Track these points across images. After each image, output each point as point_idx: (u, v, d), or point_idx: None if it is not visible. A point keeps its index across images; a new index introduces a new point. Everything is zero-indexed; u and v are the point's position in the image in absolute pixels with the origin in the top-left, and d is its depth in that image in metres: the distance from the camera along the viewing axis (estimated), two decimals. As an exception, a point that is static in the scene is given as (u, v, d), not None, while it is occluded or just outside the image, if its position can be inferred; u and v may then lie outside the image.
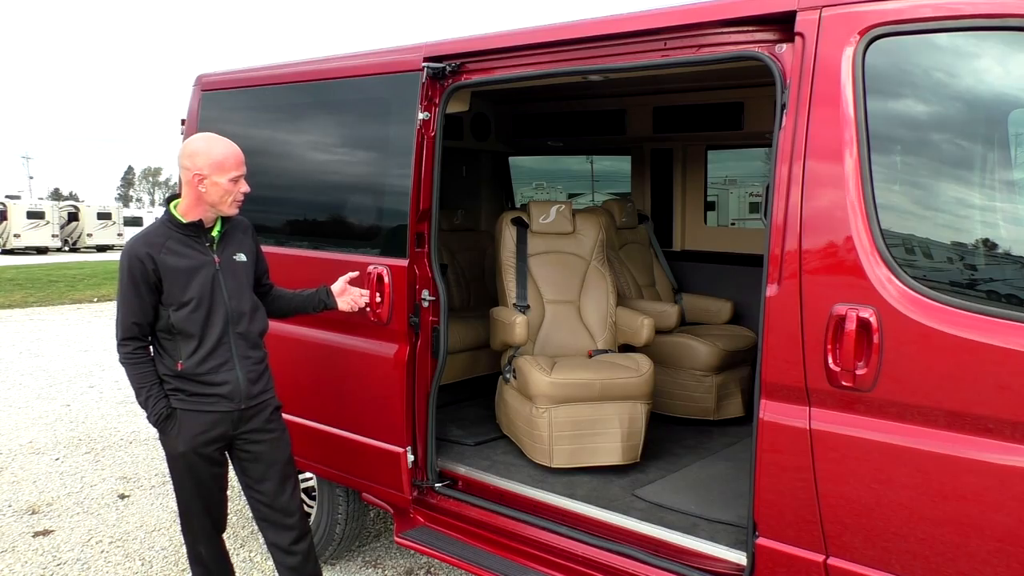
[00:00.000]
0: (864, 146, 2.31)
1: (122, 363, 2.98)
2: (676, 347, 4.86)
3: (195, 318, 2.91)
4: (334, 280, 3.39)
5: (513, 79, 3.31)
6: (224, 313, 2.97)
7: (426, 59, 3.40)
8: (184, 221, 2.97)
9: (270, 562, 4.31)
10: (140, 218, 44.66)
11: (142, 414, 7.26)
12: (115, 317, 2.98)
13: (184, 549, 4.45)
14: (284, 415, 3.28)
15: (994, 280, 2.27)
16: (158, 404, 2.94)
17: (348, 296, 3.38)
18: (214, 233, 3.04)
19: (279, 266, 3.59)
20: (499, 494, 3.60)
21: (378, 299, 3.51)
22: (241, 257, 3.10)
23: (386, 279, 3.48)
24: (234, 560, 4.34)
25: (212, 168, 2.90)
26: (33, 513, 4.99)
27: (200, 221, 3.00)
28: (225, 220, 3.08)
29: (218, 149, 2.94)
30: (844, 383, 2.31)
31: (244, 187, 3.00)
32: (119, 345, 2.96)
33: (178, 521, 4.82)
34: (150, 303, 2.92)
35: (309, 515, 4.16)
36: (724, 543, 2.99)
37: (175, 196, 3.04)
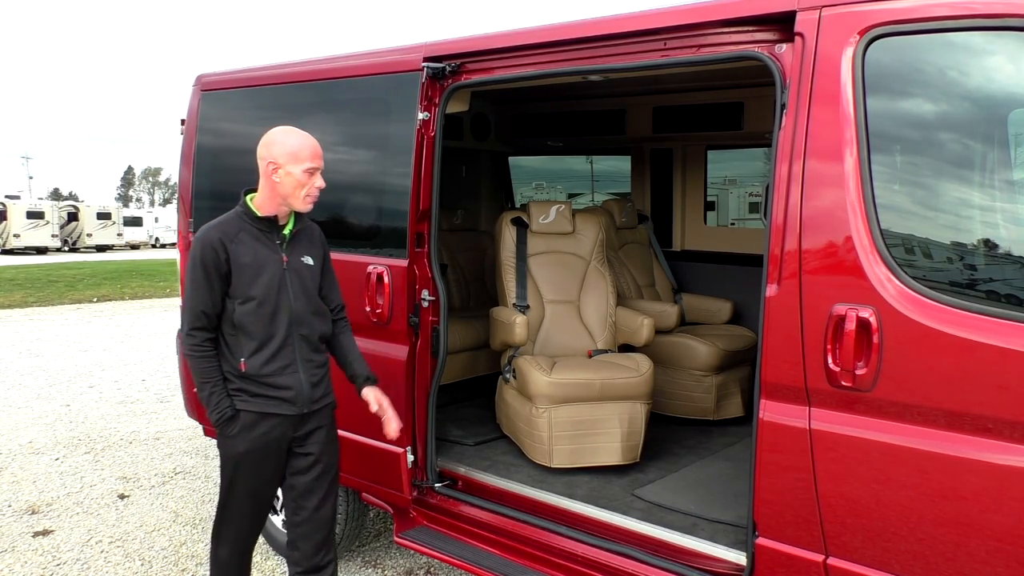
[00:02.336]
0: (864, 146, 2.31)
1: (187, 355, 2.90)
2: (676, 347, 4.86)
3: (259, 316, 2.85)
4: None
5: (513, 79, 3.31)
6: (288, 314, 2.89)
7: (426, 59, 3.40)
8: (259, 215, 2.90)
9: (270, 562, 4.31)
10: (140, 218, 44.71)
11: (142, 414, 7.28)
12: (182, 306, 2.93)
13: (184, 549, 4.46)
14: None
15: (994, 280, 2.27)
16: (222, 403, 2.86)
17: (373, 408, 3.14)
18: (286, 232, 2.96)
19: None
20: (499, 494, 3.60)
21: (379, 300, 3.51)
22: (309, 260, 3.01)
23: (386, 279, 3.48)
24: (234, 560, 4.34)
25: (287, 157, 2.83)
26: (33, 513, 4.98)
27: (275, 217, 2.92)
28: (298, 220, 3.00)
29: (294, 139, 2.87)
30: (844, 383, 2.31)
31: (319, 182, 2.90)
32: (186, 336, 2.88)
33: (178, 521, 4.84)
34: (220, 293, 2.85)
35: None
36: (724, 543, 2.99)
37: (252, 189, 2.97)
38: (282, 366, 2.89)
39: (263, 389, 2.88)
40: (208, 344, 2.88)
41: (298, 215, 3.00)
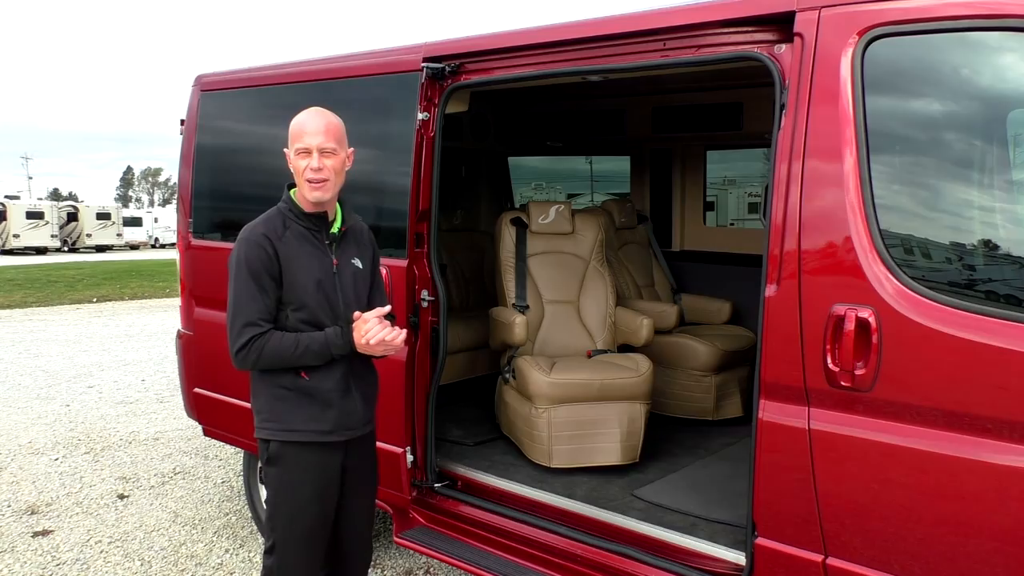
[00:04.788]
0: (863, 146, 2.31)
1: (252, 366, 2.55)
2: (675, 347, 4.86)
3: (311, 323, 2.58)
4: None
5: (512, 79, 3.31)
6: (336, 322, 2.61)
7: (425, 59, 3.40)
8: (304, 210, 2.62)
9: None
10: (139, 218, 44.73)
11: (141, 413, 7.28)
12: (228, 326, 2.55)
13: (183, 549, 4.46)
14: None
15: (993, 280, 2.27)
16: (331, 335, 2.53)
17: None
18: (334, 230, 2.68)
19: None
20: (498, 494, 3.60)
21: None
22: (358, 263, 2.72)
23: (386, 279, 3.48)
24: (233, 560, 4.34)
25: (288, 140, 2.61)
26: (32, 513, 4.98)
27: (324, 214, 2.64)
28: (345, 218, 2.73)
29: (295, 120, 2.62)
30: (843, 383, 2.31)
31: (314, 162, 2.54)
32: (235, 357, 2.52)
33: (177, 521, 4.84)
34: (273, 298, 2.52)
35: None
36: (723, 543, 3.00)
37: (294, 184, 2.70)
38: (340, 384, 2.63)
39: (319, 410, 2.61)
40: (263, 336, 2.52)
41: (344, 212, 2.74)
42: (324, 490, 2.68)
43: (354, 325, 2.61)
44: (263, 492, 4.45)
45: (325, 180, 2.59)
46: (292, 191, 2.69)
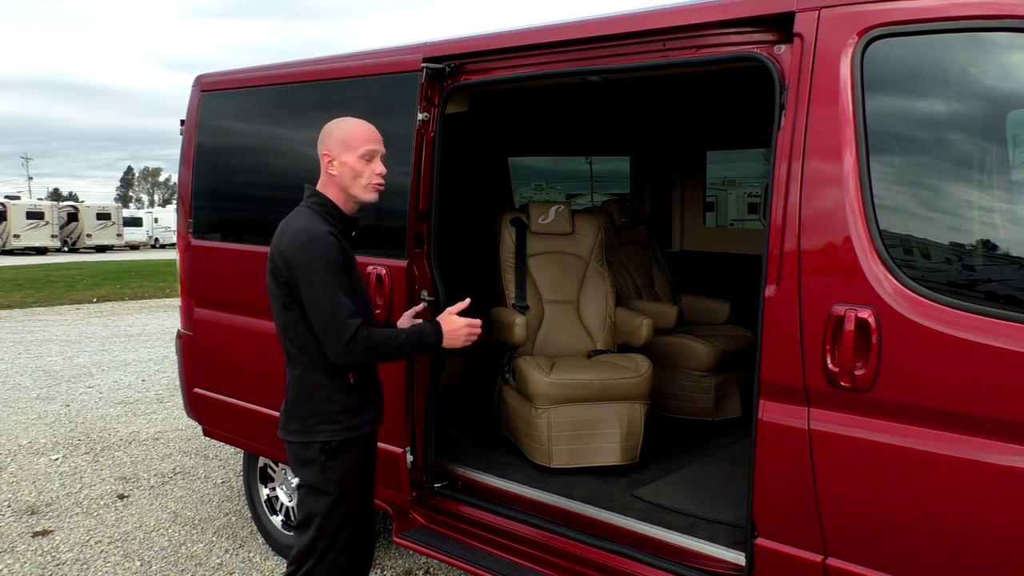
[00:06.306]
0: (863, 147, 2.31)
1: (359, 359, 2.58)
2: (675, 347, 4.86)
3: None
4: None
5: (512, 80, 3.31)
6: (369, 320, 2.71)
7: (425, 59, 3.40)
8: (345, 212, 2.72)
9: (270, 562, 4.31)
10: (139, 218, 44.73)
11: (141, 414, 7.28)
12: (324, 328, 2.55)
13: (183, 549, 4.46)
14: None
15: (992, 280, 2.27)
16: (423, 329, 2.69)
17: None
18: (353, 232, 2.83)
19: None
20: (498, 494, 3.60)
21: (378, 300, 3.51)
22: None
23: (385, 279, 3.48)
24: (233, 560, 4.35)
25: (340, 146, 2.67)
26: (32, 513, 4.99)
27: (356, 217, 2.77)
28: (357, 219, 2.84)
29: (346, 126, 2.70)
30: (843, 383, 2.32)
31: (379, 167, 2.70)
32: (346, 350, 2.54)
33: (177, 521, 4.84)
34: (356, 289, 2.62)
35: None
36: (723, 543, 3.00)
37: (311, 186, 2.78)
38: (372, 379, 2.80)
39: (365, 404, 2.75)
40: (363, 326, 2.56)
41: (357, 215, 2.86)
42: (369, 477, 2.86)
43: (444, 319, 2.79)
44: (263, 492, 4.45)
45: (383, 184, 2.75)
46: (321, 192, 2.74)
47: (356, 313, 2.56)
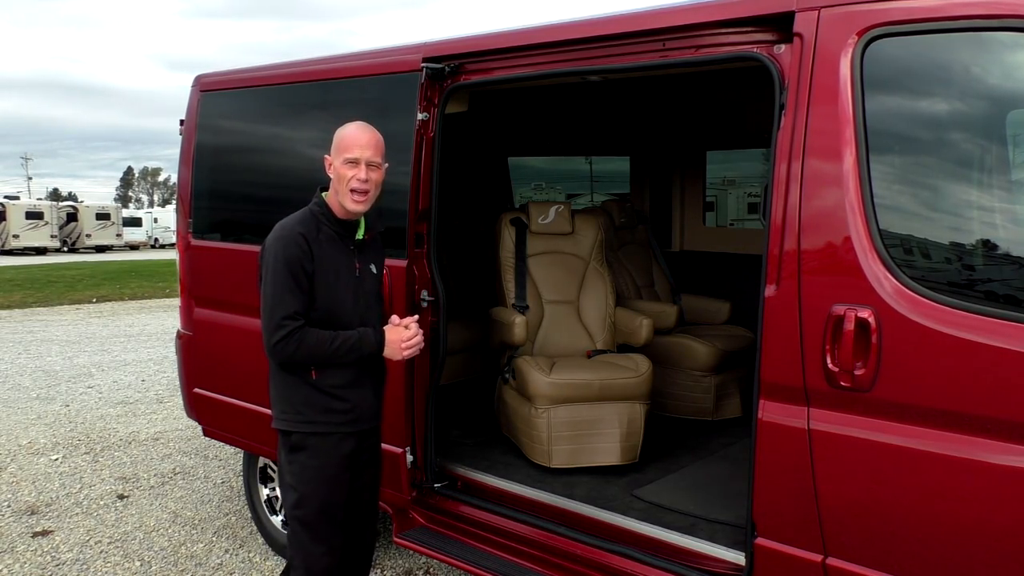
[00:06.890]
0: (863, 146, 2.31)
1: (289, 359, 2.64)
2: (675, 347, 4.86)
3: (334, 326, 2.70)
4: None
5: (512, 80, 3.31)
6: (357, 325, 2.76)
7: (425, 59, 3.40)
8: (337, 216, 2.76)
9: (269, 562, 4.31)
10: (139, 219, 44.73)
11: (141, 414, 7.28)
12: (263, 321, 2.64)
13: (183, 549, 4.46)
14: None
15: (992, 280, 2.27)
16: (364, 335, 2.70)
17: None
18: (359, 236, 2.84)
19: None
20: (498, 494, 3.60)
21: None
22: (374, 269, 2.90)
23: (385, 279, 3.48)
24: (233, 560, 4.34)
25: (335, 150, 2.73)
26: (32, 513, 4.98)
27: (355, 221, 2.80)
28: (369, 226, 2.89)
29: (343, 131, 2.76)
30: (842, 383, 2.31)
31: (361, 173, 2.68)
32: (273, 349, 2.63)
33: (177, 521, 4.84)
34: (307, 294, 2.64)
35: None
36: (723, 543, 3.00)
37: (325, 187, 2.83)
38: (351, 380, 2.77)
39: (332, 403, 2.74)
40: (299, 329, 2.62)
41: (367, 220, 2.88)
42: (339, 476, 2.81)
43: (388, 328, 2.82)
44: (263, 492, 4.45)
45: (367, 192, 2.74)
46: (324, 195, 2.80)
47: (297, 314, 2.62)
